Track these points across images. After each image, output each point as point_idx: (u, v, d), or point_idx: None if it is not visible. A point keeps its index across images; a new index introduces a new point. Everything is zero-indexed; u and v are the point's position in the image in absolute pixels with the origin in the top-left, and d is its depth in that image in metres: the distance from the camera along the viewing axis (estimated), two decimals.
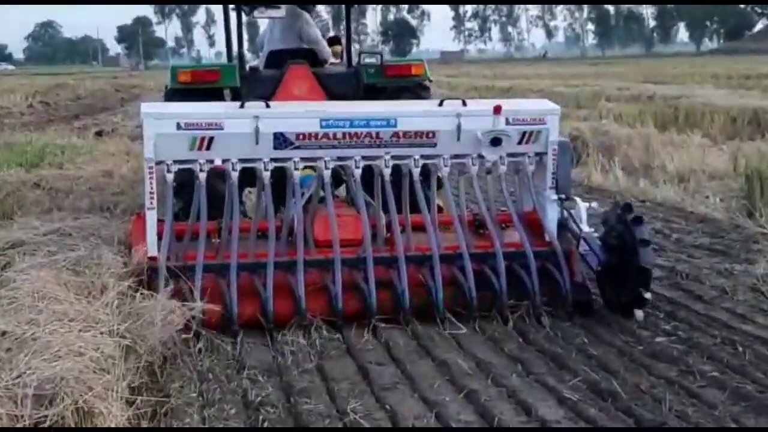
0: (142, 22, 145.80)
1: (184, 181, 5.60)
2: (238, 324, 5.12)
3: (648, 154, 11.92)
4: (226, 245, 5.47)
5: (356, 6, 7.13)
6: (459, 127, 5.77)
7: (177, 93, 6.71)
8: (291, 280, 5.32)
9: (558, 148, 5.91)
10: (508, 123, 5.84)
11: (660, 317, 5.43)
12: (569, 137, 10.77)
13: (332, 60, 8.37)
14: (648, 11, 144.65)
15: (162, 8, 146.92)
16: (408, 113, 5.81)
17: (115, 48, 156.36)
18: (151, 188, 5.42)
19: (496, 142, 5.82)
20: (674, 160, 11.14)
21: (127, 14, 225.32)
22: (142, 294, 4.79)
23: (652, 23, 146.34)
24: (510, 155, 5.90)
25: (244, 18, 7.47)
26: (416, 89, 7.09)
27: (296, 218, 5.60)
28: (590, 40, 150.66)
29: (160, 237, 5.40)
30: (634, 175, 10.86)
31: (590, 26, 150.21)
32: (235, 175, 5.55)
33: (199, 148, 5.50)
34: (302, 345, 4.98)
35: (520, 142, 5.88)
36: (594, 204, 5.91)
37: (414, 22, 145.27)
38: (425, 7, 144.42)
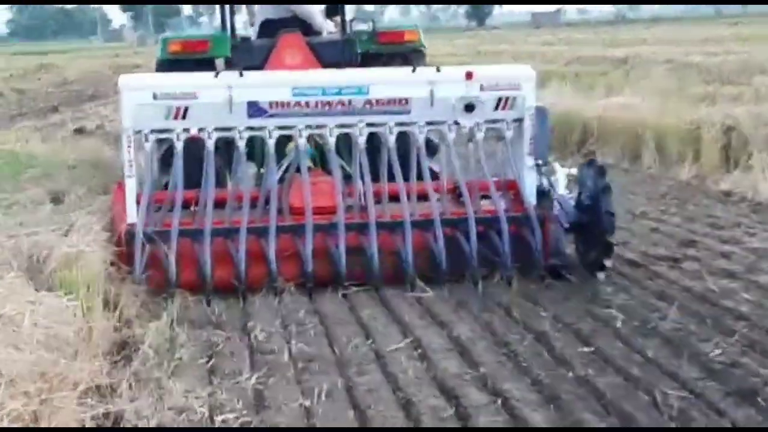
0: None
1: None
2: (211, 286, 6.51)
3: None
4: (202, 212, 6.82)
5: None
6: (432, 93, 7.07)
7: (167, 64, 8.22)
8: (264, 245, 6.61)
9: (535, 114, 7.16)
10: (482, 89, 7.14)
11: None
12: (722, 126, 11.23)
13: (331, 30, 9.40)
14: None
15: None
16: (380, 80, 7.16)
17: (119, 19, 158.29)
18: (130, 157, 6.84)
19: (469, 108, 7.12)
20: None
21: None
22: None
23: None
24: (487, 122, 7.20)
25: None
26: (411, 55, 8.33)
27: (272, 186, 6.94)
28: None
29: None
30: None
31: None
32: (210, 143, 6.95)
33: (175, 117, 6.93)
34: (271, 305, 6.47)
35: (496, 108, 7.19)
36: (573, 170, 7.37)
37: None
38: None
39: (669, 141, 12.14)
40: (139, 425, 4.51)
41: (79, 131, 16.67)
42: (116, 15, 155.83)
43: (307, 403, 4.83)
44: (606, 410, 4.71)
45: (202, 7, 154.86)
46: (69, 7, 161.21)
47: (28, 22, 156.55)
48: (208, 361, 5.45)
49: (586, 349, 5.55)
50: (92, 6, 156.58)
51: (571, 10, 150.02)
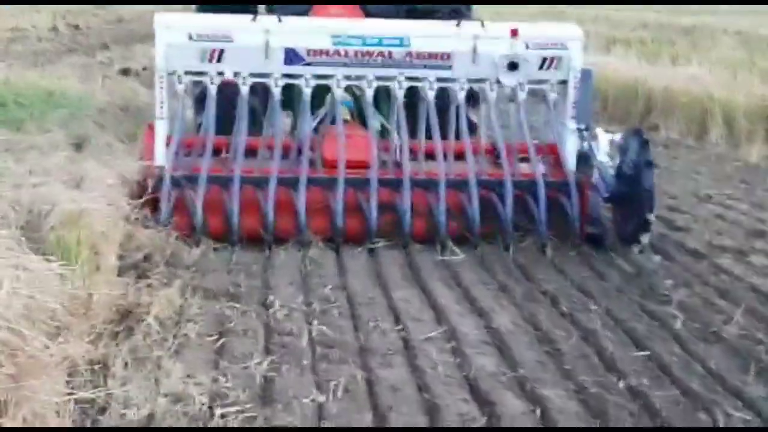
0: None
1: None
2: (238, 235, 6.38)
3: None
4: (233, 159, 6.67)
5: None
6: (475, 49, 6.89)
7: (208, 4, 7.96)
8: (294, 196, 6.46)
9: (580, 77, 6.97)
10: (527, 47, 6.95)
11: None
12: None
13: None
14: None
15: None
16: (422, 33, 6.97)
17: None
18: (161, 98, 6.79)
19: (513, 66, 6.92)
20: None
21: None
22: None
23: None
24: (530, 82, 7.00)
25: None
26: (459, 12, 8.00)
27: (305, 137, 6.84)
28: None
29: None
30: None
31: None
32: (245, 89, 6.81)
33: (210, 60, 6.82)
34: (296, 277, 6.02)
35: (540, 68, 6.99)
36: (617, 135, 6.98)
37: None
38: None
39: (738, 118, 11.37)
40: (127, 414, 3.97)
41: (125, 72, 16.02)
42: None
43: (321, 398, 4.26)
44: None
45: None
46: None
47: None
48: (217, 340, 4.89)
49: (639, 354, 4.93)
50: None
51: None
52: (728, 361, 4.87)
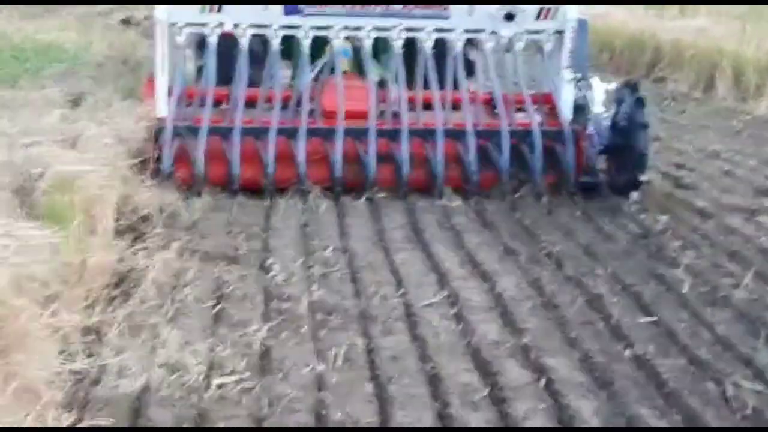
0: None
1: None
2: (239, 184, 6.49)
3: None
4: (233, 110, 6.73)
5: None
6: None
7: None
8: (293, 146, 6.56)
9: (577, 27, 7.04)
10: None
11: None
12: None
13: None
14: None
15: None
16: None
17: None
18: (162, 50, 6.79)
19: (509, 17, 7.03)
20: None
21: None
22: None
23: None
24: (528, 32, 7.09)
25: None
26: None
27: (304, 88, 6.90)
28: None
29: None
30: None
31: None
32: (244, 40, 6.85)
33: (210, 10, 6.82)
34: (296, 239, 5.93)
35: (537, 18, 7.08)
36: (613, 85, 7.07)
37: None
38: None
39: (747, 71, 11.17)
40: (120, 385, 3.86)
41: (126, 21, 15.82)
42: None
43: (321, 367, 4.16)
44: (667, 403, 4.00)
45: None
46: None
47: None
48: (215, 305, 4.78)
49: (647, 320, 4.82)
50: None
51: None
52: (737, 327, 4.76)
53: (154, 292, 4.78)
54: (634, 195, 6.84)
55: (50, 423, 3.45)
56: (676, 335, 4.63)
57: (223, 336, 4.41)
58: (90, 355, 4.06)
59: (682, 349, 4.50)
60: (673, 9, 15.92)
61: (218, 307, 4.77)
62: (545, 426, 3.79)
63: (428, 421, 3.76)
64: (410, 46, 7.12)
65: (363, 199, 6.71)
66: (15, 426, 3.28)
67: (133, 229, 5.63)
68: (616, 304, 4.99)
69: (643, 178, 6.80)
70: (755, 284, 5.29)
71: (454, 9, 7.03)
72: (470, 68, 7.54)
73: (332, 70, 7.02)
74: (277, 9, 6.90)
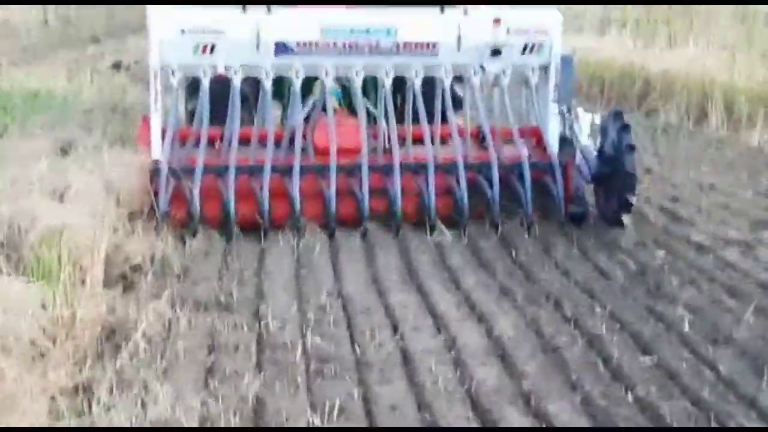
0: None
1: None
2: (235, 223, 6.54)
3: None
4: (227, 149, 6.78)
5: None
6: (459, 37, 7.09)
7: None
8: (288, 184, 6.65)
9: (561, 61, 7.21)
10: (508, 33, 7.18)
11: None
12: None
13: None
14: None
15: None
16: (408, 22, 7.08)
17: None
18: (156, 92, 6.80)
19: (496, 52, 7.17)
20: None
21: None
22: None
23: None
24: (513, 67, 7.21)
25: None
26: None
27: (296, 126, 6.93)
28: None
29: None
30: None
31: None
32: (237, 81, 6.89)
33: (203, 53, 6.88)
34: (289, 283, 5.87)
35: (522, 53, 7.22)
36: (597, 116, 7.21)
37: None
38: None
39: (738, 101, 11.13)
40: None
41: (116, 66, 15.88)
42: None
43: (316, 420, 4.06)
44: None
45: None
46: None
47: None
48: (207, 356, 4.69)
49: (647, 360, 4.73)
50: None
51: None
52: (740, 366, 4.67)
53: (145, 344, 4.67)
54: (626, 219, 6.94)
55: None
56: (678, 376, 4.54)
57: (215, 390, 4.30)
58: (79, 414, 3.96)
59: (684, 390, 4.41)
60: (662, 40, 15.92)
61: (211, 358, 4.67)
62: None
63: None
64: (399, 82, 7.24)
65: (357, 238, 6.70)
66: None
67: (123, 278, 5.54)
68: (616, 344, 4.90)
69: (632, 199, 6.88)
70: (756, 320, 5.21)
71: (442, 46, 7.12)
72: (458, 103, 7.59)
73: (323, 108, 7.09)
74: (269, 49, 6.94)
